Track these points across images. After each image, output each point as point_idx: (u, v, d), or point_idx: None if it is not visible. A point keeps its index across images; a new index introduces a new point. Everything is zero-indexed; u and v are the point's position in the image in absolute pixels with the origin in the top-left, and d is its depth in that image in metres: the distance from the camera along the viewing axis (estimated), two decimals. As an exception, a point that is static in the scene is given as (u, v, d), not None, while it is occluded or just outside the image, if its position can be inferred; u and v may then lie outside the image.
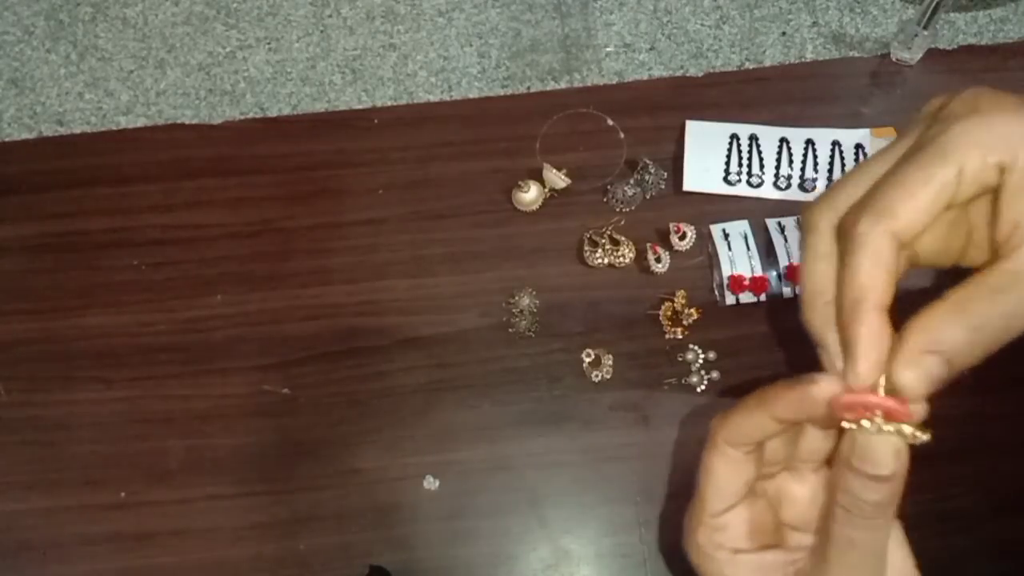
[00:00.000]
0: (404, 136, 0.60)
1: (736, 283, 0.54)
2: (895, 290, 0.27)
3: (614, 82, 0.62)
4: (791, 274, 0.55)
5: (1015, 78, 0.60)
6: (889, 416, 0.26)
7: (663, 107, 0.60)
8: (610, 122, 0.60)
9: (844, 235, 0.27)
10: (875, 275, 0.26)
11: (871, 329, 0.26)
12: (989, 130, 0.26)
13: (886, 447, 0.26)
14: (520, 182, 0.57)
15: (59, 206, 0.60)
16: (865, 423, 0.26)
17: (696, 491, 0.32)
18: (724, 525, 0.31)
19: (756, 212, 0.57)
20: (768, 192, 0.57)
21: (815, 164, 0.58)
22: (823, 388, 0.27)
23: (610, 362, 0.54)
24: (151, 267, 0.58)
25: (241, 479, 0.53)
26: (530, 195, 0.57)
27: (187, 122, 0.62)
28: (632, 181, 0.58)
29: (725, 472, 0.31)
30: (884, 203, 0.26)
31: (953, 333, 0.26)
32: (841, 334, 0.28)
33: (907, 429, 0.26)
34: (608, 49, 0.63)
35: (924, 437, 0.26)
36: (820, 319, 0.29)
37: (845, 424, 0.26)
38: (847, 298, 0.27)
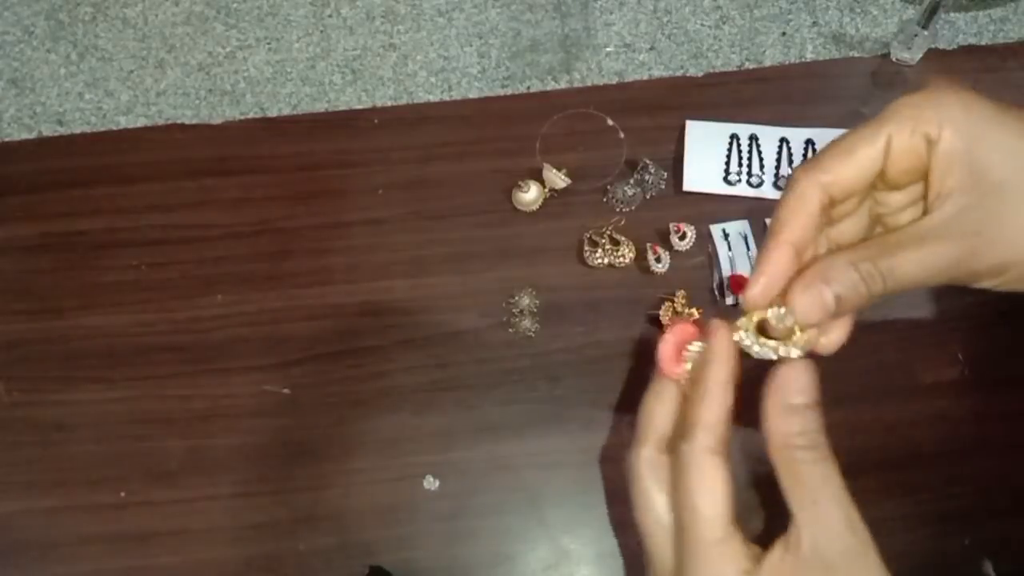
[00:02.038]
0: (404, 136, 0.60)
1: (736, 283, 0.54)
2: (812, 239, 0.30)
3: (614, 82, 0.62)
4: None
5: (1015, 78, 0.60)
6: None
7: (663, 107, 0.60)
8: (610, 122, 0.60)
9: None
10: (794, 212, 0.29)
11: (771, 256, 0.29)
12: (922, 104, 0.28)
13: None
14: (520, 182, 0.57)
15: (59, 206, 0.60)
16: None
17: None
18: None
19: (756, 212, 0.57)
20: (768, 192, 0.57)
21: (815, 164, 0.58)
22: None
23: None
24: (151, 267, 0.58)
25: (241, 479, 0.53)
26: (530, 195, 0.57)
27: (187, 122, 0.62)
28: (632, 181, 0.58)
29: None
30: (820, 158, 0.29)
31: (848, 273, 0.28)
32: None
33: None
34: (608, 49, 0.63)
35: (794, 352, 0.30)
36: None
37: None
38: (768, 230, 0.30)
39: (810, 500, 0.28)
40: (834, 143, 0.30)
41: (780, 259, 0.29)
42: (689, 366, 0.32)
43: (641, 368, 0.54)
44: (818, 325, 0.29)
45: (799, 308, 0.29)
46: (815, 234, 0.30)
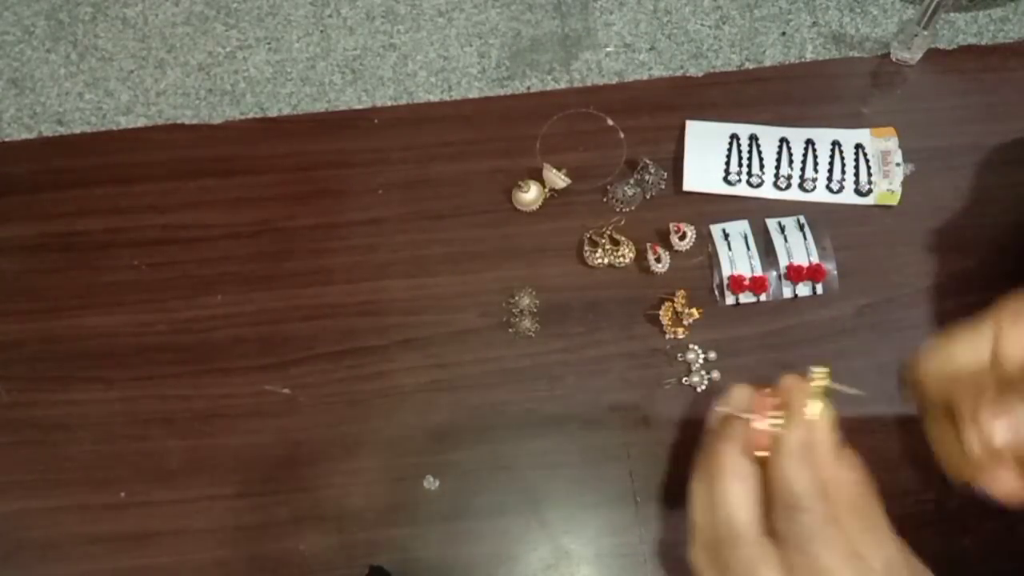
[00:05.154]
0: (404, 136, 0.60)
1: (736, 283, 0.54)
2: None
3: (614, 82, 0.62)
4: (791, 274, 0.55)
5: (1015, 78, 0.60)
6: None
7: (663, 107, 0.60)
8: (610, 122, 0.60)
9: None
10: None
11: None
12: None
13: None
14: (520, 182, 0.57)
15: (59, 206, 0.60)
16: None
17: None
18: None
19: (756, 212, 0.57)
20: (768, 192, 0.57)
21: (815, 164, 0.58)
22: None
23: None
24: (151, 267, 0.58)
25: (241, 479, 0.53)
26: (530, 195, 0.57)
27: (187, 122, 0.62)
28: (632, 181, 0.58)
29: None
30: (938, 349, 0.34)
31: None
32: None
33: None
34: (608, 49, 0.63)
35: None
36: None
37: None
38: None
39: None
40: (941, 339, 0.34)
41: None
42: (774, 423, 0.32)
43: (641, 368, 0.54)
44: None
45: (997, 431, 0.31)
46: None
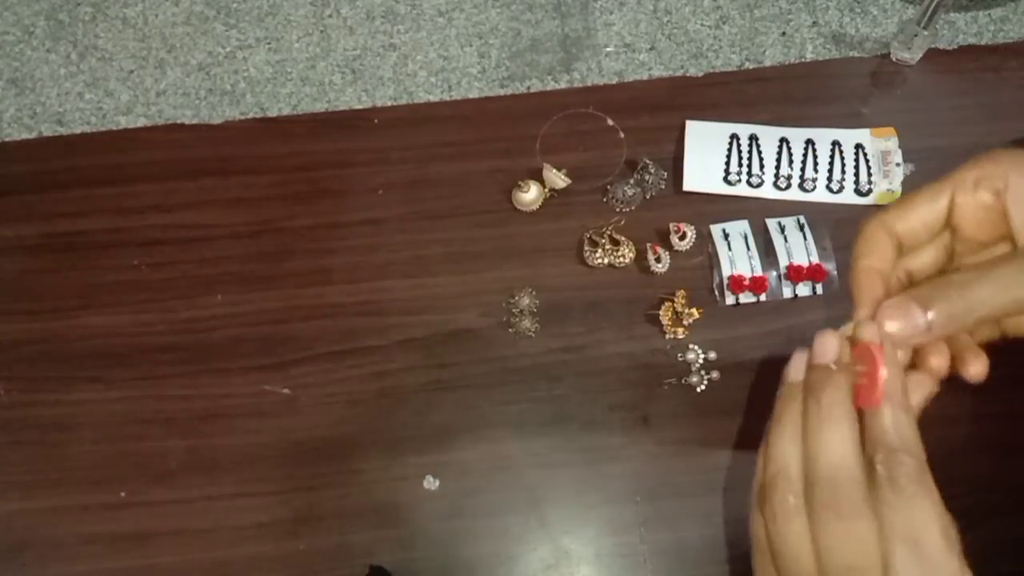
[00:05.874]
0: (404, 136, 0.60)
1: (736, 283, 0.54)
2: (889, 271, 0.34)
3: (614, 82, 0.62)
4: (791, 274, 0.55)
5: (1015, 78, 0.60)
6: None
7: (663, 107, 0.60)
8: (610, 122, 0.60)
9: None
10: (869, 249, 0.34)
11: (862, 282, 0.34)
12: (983, 163, 0.33)
13: None
14: (520, 182, 0.57)
15: (59, 206, 0.60)
16: None
17: None
18: None
19: (756, 212, 0.57)
20: (768, 192, 0.57)
21: (815, 164, 0.58)
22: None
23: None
24: (151, 267, 0.58)
25: (241, 479, 0.53)
26: (530, 195, 0.57)
27: (187, 122, 0.62)
28: (632, 181, 0.58)
29: None
30: (888, 208, 0.35)
31: (949, 303, 0.31)
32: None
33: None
34: (608, 49, 0.63)
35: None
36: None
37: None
38: (852, 266, 0.34)
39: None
40: (903, 197, 0.35)
41: (873, 284, 0.34)
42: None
43: (641, 368, 0.54)
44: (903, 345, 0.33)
45: (891, 328, 0.32)
46: (891, 267, 0.34)
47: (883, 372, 0.31)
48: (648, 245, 0.56)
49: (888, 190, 0.57)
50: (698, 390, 0.53)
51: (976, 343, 0.35)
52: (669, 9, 0.64)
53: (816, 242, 0.55)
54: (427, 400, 0.54)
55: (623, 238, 0.56)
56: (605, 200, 0.58)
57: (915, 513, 0.31)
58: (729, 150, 0.58)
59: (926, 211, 0.34)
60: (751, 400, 0.53)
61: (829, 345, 0.33)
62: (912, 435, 0.32)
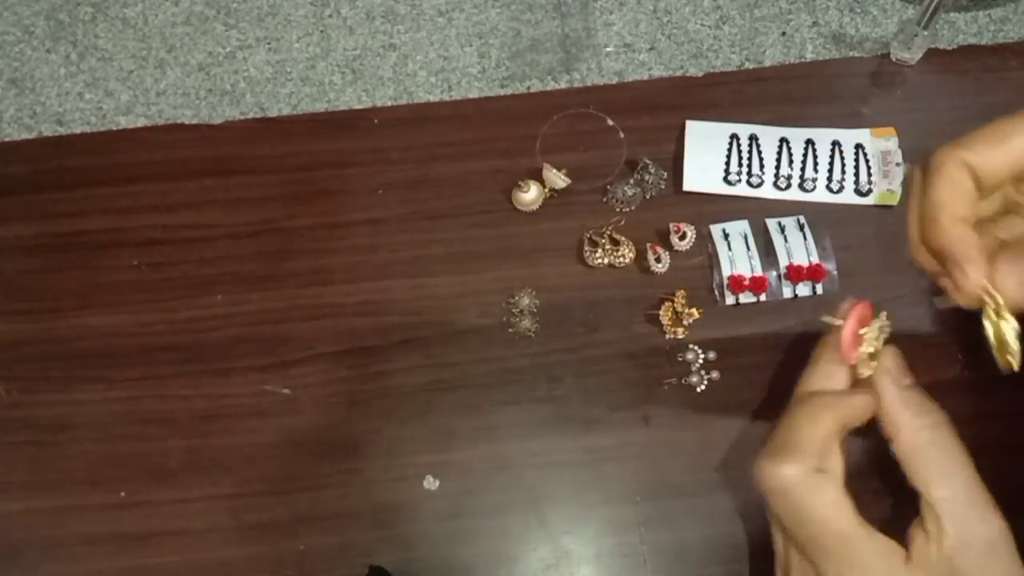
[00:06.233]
0: (404, 136, 0.60)
1: (736, 283, 0.54)
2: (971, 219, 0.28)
3: (614, 82, 0.62)
4: (791, 274, 0.55)
5: (1015, 78, 0.60)
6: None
7: (663, 107, 0.60)
8: (610, 122, 0.60)
9: (926, 170, 0.28)
10: (950, 193, 0.27)
11: (956, 236, 0.27)
12: None
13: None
14: (520, 182, 0.57)
15: (59, 206, 0.60)
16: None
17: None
18: None
19: (756, 212, 0.57)
20: (768, 192, 0.57)
21: (815, 164, 0.58)
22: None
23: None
24: (151, 267, 0.58)
25: (241, 479, 0.53)
26: (530, 195, 0.57)
27: (187, 122, 0.62)
28: (632, 181, 0.58)
29: None
30: (969, 139, 0.27)
31: None
32: (929, 248, 0.29)
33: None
34: (608, 49, 0.63)
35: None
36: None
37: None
38: (927, 215, 0.28)
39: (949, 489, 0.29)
40: (985, 128, 0.28)
41: (968, 237, 0.27)
42: (869, 349, 0.33)
43: (641, 368, 0.54)
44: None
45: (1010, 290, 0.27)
46: (973, 215, 0.28)
47: (843, 333, 0.32)
48: (648, 245, 0.56)
49: (888, 190, 0.57)
50: (698, 390, 0.53)
51: None
52: (669, 9, 0.64)
53: (816, 242, 0.55)
54: (427, 400, 0.54)
55: (623, 238, 0.56)
56: (605, 200, 0.58)
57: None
58: (729, 150, 0.58)
59: (1019, 146, 0.27)
60: (751, 400, 0.53)
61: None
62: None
